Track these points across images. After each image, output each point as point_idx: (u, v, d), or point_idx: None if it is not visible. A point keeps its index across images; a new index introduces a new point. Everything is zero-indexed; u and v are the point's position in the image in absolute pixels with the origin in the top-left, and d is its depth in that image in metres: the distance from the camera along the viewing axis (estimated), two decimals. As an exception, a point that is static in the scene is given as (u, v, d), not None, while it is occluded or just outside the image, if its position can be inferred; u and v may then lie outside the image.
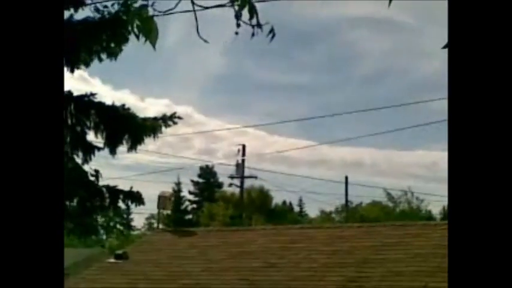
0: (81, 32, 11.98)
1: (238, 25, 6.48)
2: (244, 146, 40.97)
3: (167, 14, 9.82)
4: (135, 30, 3.69)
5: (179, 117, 13.21)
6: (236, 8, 6.21)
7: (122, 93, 75.73)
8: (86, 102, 12.76)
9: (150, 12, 4.07)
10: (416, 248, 12.48)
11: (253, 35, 6.39)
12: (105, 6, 12.38)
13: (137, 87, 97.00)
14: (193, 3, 6.82)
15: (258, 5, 6.81)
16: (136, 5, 4.26)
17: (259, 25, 6.52)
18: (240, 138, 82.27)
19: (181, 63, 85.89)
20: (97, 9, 12.38)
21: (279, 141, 78.80)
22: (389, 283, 11.23)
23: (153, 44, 3.15)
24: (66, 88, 12.77)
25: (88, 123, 12.83)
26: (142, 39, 3.81)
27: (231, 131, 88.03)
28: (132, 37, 12.30)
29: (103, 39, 12.29)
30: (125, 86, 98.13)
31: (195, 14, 6.68)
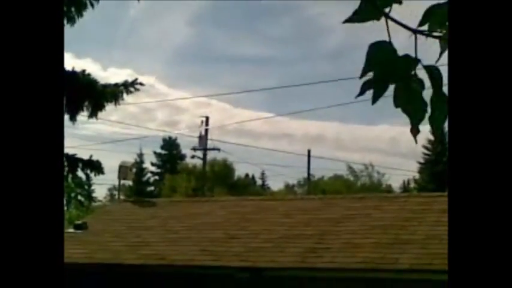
0: None
1: None
2: (207, 118, 40.76)
3: None
4: None
5: (141, 84, 13.04)
6: None
7: (83, 61, 74.77)
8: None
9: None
10: (374, 220, 12.59)
11: None
12: None
13: (100, 57, 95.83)
14: None
15: None
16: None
17: None
18: (203, 110, 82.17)
19: (145, 33, 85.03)
20: None
21: (243, 114, 78.70)
22: (347, 254, 11.32)
23: None
24: None
25: None
26: None
27: (195, 103, 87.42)
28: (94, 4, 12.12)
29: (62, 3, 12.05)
30: (87, 55, 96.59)
31: None
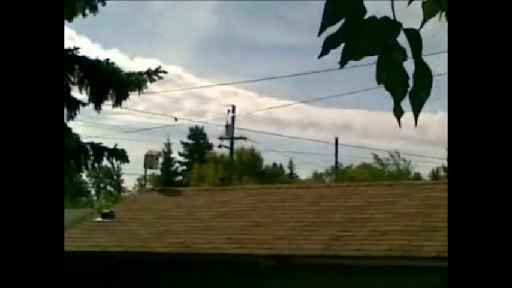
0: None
1: None
2: (234, 107, 40.69)
3: None
4: None
5: (164, 72, 12.98)
6: None
7: (110, 52, 75.00)
8: (70, 57, 12.50)
9: None
10: (401, 207, 12.45)
11: None
12: None
13: (126, 47, 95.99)
14: None
15: None
16: None
17: None
18: (230, 99, 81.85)
19: (171, 23, 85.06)
20: None
21: (269, 102, 78.34)
22: (373, 241, 11.22)
23: None
24: None
25: (72, 79, 12.60)
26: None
27: (221, 92, 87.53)
28: None
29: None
30: (114, 46, 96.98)
31: None
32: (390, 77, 2.10)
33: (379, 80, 2.12)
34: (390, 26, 2.06)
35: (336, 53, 2.12)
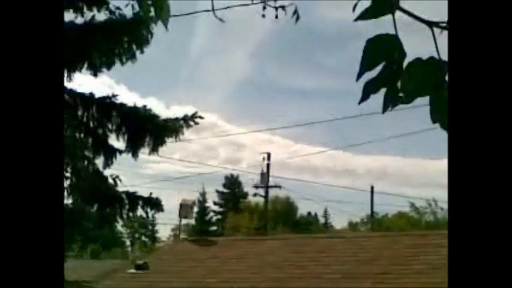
0: (102, 34, 11.86)
1: (264, 8, 6.13)
2: (269, 155, 40.47)
3: None
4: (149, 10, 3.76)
5: (200, 117, 12.97)
6: None
7: (148, 101, 75.57)
8: (108, 104, 12.61)
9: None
10: (439, 258, 12.16)
11: (276, 17, 6.08)
12: (118, 8, 12.26)
13: (163, 95, 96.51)
14: None
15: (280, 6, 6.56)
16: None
17: (282, 7, 6.15)
18: (265, 146, 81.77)
19: (208, 69, 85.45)
20: (111, 11, 12.25)
21: (304, 149, 77.95)
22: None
23: (165, 23, 2.86)
24: (89, 90, 12.73)
25: (109, 126, 12.68)
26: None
27: (256, 139, 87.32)
28: (155, 40, 12.16)
29: (124, 41, 12.15)
30: (152, 94, 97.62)
31: None
32: (444, 115, 2.11)
33: (433, 120, 2.14)
34: (437, 65, 2.06)
35: (373, 98, 2.11)
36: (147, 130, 12.60)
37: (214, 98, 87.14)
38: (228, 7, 6.59)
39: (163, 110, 63.41)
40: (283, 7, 6.16)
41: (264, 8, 6.16)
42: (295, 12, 6.05)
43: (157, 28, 12.25)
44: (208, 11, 7.64)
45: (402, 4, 2.11)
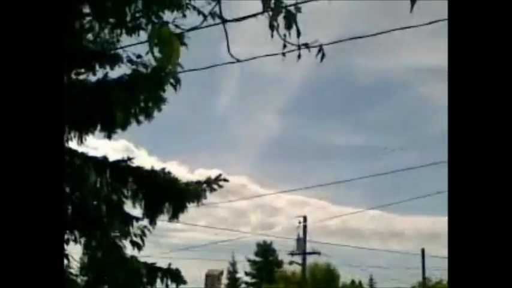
0: (116, 92, 10.95)
1: (272, 35, 5.22)
2: (305, 218, 38.70)
3: (190, 30, 9.02)
4: (156, 52, 3.52)
5: (225, 180, 11.89)
6: (270, 14, 5.22)
7: (169, 165, 72.92)
8: (123, 168, 11.57)
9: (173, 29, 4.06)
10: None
11: (299, 56, 5.35)
12: (139, 56, 11.35)
13: (186, 158, 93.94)
14: (221, 17, 5.65)
15: (314, 60, 5.68)
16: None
17: (306, 45, 5.34)
18: (300, 209, 79.71)
19: (235, 129, 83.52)
20: (130, 61, 11.35)
21: (343, 211, 75.92)
22: None
23: (174, 66, 2.77)
24: (104, 154, 11.75)
25: (125, 192, 11.65)
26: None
27: (290, 202, 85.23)
28: (176, 98, 11.24)
29: (140, 99, 11.22)
30: (173, 157, 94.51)
31: (225, 29, 5.62)
32: None
33: None
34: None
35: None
36: (166, 195, 11.54)
37: (243, 159, 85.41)
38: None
39: (186, 174, 62.11)
40: (306, 45, 5.50)
41: (285, 46, 5.44)
42: (320, 50, 5.43)
43: (183, 83, 11.41)
44: (232, 62, 6.66)
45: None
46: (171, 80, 10.83)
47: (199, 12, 10.15)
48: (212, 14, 7.36)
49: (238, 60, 6.08)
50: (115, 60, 11.35)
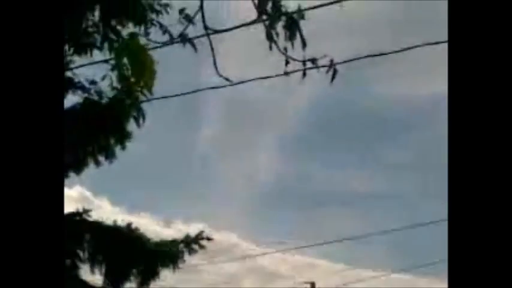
0: (69, 126, 8.66)
1: (270, 47, 4.44)
2: (313, 284, 35.33)
3: (165, 45, 6.75)
4: (125, 68, 3.21)
5: (208, 238, 9.62)
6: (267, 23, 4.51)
7: (137, 218, 67.80)
8: (77, 223, 9.27)
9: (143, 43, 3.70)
10: None
11: (304, 74, 4.60)
12: (93, 82, 9.08)
13: (159, 209, 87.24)
14: (206, 27, 4.86)
15: (322, 80, 4.93)
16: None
17: (312, 60, 4.47)
18: (306, 273, 74.70)
19: (220, 171, 78.22)
20: (82, 87, 9.08)
21: (361, 274, 71.85)
22: None
23: (149, 87, 2.69)
24: None
25: (81, 254, 9.34)
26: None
27: (294, 264, 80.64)
28: (147, 132, 9.19)
29: (99, 135, 8.92)
30: (144, 208, 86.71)
31: (210, 42, 4.93)
32: None
33: None
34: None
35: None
36: (133, 258, 9.28)
37: (231, 210, 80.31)
38: (246, 81, 6.07)
39: (161, 229, 58.24)
40: (313, 60, 4.75)
41: (287, 62, 4.74)
42: (331, 65, 4.68)
43: (151, 115, 9.25)
44: (216, 87, 6.11)
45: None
46: (133, 112, 8.55)
47: (166, 31, 8.00)
48: (182, 36, 6.12)
49: (228, 82, 5.33)
50: (68, 84, 9.07)
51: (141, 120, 8.59)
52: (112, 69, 8.59)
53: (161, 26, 8.39)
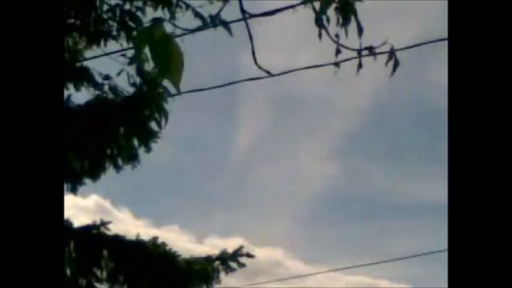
0: (84, 124, 7.53)
1: (319, 35, 4.23)
2: None
3: (193, 32, 6.56)
4: (147, 60, 2.45)
5: (248, 255, 8.48)
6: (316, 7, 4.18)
7: (165, 231, 64.37)
8: (94, 238, 8.19)
9: (169, 30, 3.05)
10: None
11: (360, 65, 4.33)
12: (107, 77, 8.01)
13: (192, 222, 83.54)
14: (243, 11, 4.68)
15: (380, 71, 4.32)
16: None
17: (369, 49, 4.26)
18: (361, 292, 71.87)
19: (261, 177, 74.32)
20: (94, 83, 7.94)
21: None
22: None
23: (176, 83, 2.22)
24: (66, 216, 8.34)
25: (98, 273, 8.26)
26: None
27: (348, 284, 77.62)
28: (174, 133, 8.33)
29: (119, 134, 7.77)
30: (172, 221, 79.91)
31: (248, 28, 4.74)
32: None
33: None
34: None
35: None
36: (159, 277, 8.21)
37: (276, 223, 76.35)
38: (290, 71, 5.90)
39: (191, 245, 56.57)
40: (370, 48, 4.36)
41: (338, 51, 4.40)
42: (392, 56, 4.24)
43: (179, 113, 8.22)
44: (258, 78, 5.69)
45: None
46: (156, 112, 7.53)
47: (197, 14, 7.31)
48: (213, 18, 6.12)
49: (269, 74, 5.14)
50: (82, 76, 7.91)
51: (163, 121, 7.54)
52: (130, 63, 7.70)
53: (188, 6, 7.44)
